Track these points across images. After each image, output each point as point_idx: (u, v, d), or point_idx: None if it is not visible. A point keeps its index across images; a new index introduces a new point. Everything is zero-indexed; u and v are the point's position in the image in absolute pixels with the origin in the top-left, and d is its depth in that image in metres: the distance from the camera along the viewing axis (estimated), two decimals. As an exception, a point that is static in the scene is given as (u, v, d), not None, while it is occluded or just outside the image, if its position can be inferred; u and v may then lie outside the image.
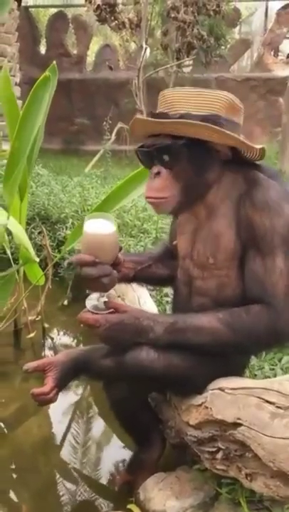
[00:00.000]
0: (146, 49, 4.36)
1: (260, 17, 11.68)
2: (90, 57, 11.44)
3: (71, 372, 1.31)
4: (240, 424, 0.89)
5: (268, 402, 0.85)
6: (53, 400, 1.28)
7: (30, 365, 1.30)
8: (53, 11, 11.63)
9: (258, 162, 1.12)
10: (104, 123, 6.29)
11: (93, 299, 1.16)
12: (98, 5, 3.91)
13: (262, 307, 1.02)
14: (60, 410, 1.87)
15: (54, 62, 2.17)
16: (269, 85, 9.80)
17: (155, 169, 1.07)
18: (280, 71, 9.70)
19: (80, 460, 1.61)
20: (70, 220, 3.03)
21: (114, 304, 1.16)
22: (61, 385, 1.30)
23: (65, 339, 2.57)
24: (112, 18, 3.99)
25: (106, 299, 1.16)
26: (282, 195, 1.03)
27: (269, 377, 1.46)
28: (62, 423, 1.80)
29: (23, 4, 9.12)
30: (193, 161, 1.05)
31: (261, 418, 0.84)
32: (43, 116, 1.95)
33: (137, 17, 4.19)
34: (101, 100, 10.15)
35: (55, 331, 2.63)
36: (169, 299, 2.18)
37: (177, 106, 1.03)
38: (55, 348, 2.41)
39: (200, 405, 1.10)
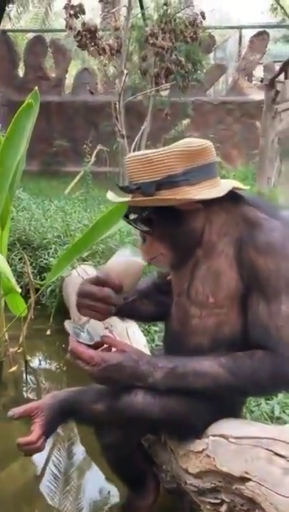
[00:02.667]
0: (127, 74, 4.39)
1: (233, 43, 12.04)
2: (68, 80, 11.52)
3: (59, 417, 1.23)
4: (248, 479, 0.83)
5: (278, 455, 0.79)
6: (40, 449, 1.19)
7: (16, 411, 1.22)
8: (31, 35, 11.71)
9: (255, 198, 1.10)
10: (85, 146, 6.27)
11: (74, 325, 1.12)
12: (79, 31, 3.94)
13: (266, 353, 0.98)
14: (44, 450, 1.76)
15: (36, 88, 2.13)
16: (244, 109, 10.02)
17: (141, 235, 1.13)
18: (255, 95, 9.95)
19: (69, 508, 1.51)
20: (53, 246, 2.95)
21: (111, 341, 1.10)
22: (48, 431, 1.22)
23: (49, 372, 2.47)
24: (93, 43, 4.02)
25: (88, 328, 1.11)
26: (286, 236, 1.00)
27: (266, 413, 1.40)
28: (47, 464, 1.69)
29: (1, 28, 9.18)
30: (167, 223, 1.06)
31: (272, 474, 0.78)
32: (25, 143, 1.90)
33: (117, 43, 4.24)
34: (80, 123, 10.18)
35: (37, 362, 2.52)
36: (157, 328, 2.12)
37: (135, 176, 1.04)
38: (38, 383, 2.31)
39: (200, 452, 1.04)
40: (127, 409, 1.09)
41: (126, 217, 1.12)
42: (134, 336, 1.81)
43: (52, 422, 1.22)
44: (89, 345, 1.08)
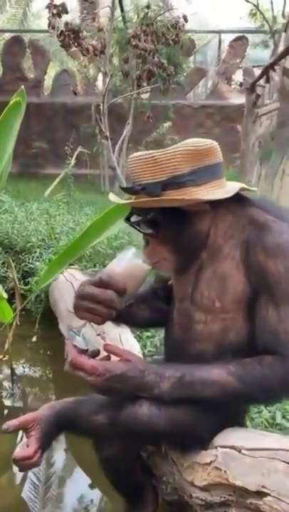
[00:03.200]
0: (111, 75, 4.35)
1: (213, 47, 12.16)
2: (47, 81, 11.40)
3: (55, 429, 1.17)
4: (265, 494, 0.79)
5: (298, 467, 0.76)
6: (37, 464, 1.13)
7: (11, 423, 1.15)
8: (9, 35, 11.55)
9: (261, 200, 1.08)
10: (66, 147, 6.19)
11: (70, 328, 1.07)
12: (62, 31, 3.88)
13: (275, 358, 0.95)
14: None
15: (22, 86, 2.07)
16: (224, 112, 10.13)
17: (144, 238, 1.08)
18: (234, 99, 10.07)
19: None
20: (38, 250, 2.87)
21: (114, 349, 1.05)
22: (45, 444, 1.16)
23: (34, 380, 2.39)
24: (76, 44, 3.96)
25: (84, 331, 1.06)
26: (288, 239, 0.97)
27: (267, 420, 1.38)
28: (37, 476, 1.63)
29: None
30: (172, 225, 1.02)
31: (293, 488, 0.74)
32: (13, 142, 1.83)
33: (101, 44, 4.19)
34: (59, 124, 10.09)
35: (24, 370, 2.44)
36: (150, 334, 2.08)
37: (140, 177, 1.00)
38: (23, 391, 2.23)
39: (208, 464, 1.00)
40: (131, 421, 1.04)
41: (127, 219, 1.08)
42: (127, 343, 1.77)
43: (48, 434, 1.16)
44: (83, 352, 1.02)
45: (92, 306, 1.00)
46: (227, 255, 1.03)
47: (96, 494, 1.51)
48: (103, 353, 1.07)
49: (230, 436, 0.99)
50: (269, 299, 0.97)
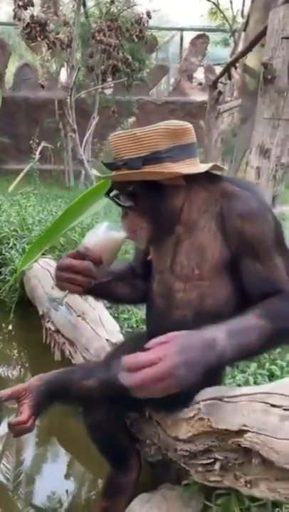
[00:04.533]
0: (79, 69, 4.37)
1: (174, 45, 12.32)
2: (7, 75, 11.18)
3: (47, 397, 1.25)
4: (246, 431, 0.90)
5: (274, 406, 0.87)
6: (30, 429, 1.21)
7: (3, 392, 1.22)
8: None
9: (230, 176, 1.18)
10: (31, 142, 6.14)
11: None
12: (28, 23, 3.86)
13: (286, 294, 1.03)
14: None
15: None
16: (187, 109, 10.31)
17: (122, 211, 1.15)
18: (196, 96, 10.27)
19: (50, 494, 1.51)
20: (11, 240, 2.89)
21: (156, 341, 0.88)
22: (38, 411, 1.23)
23: (12, 368, 2.42)
24: (42, 37, 3.96)
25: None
26: (262, 204, 1.09)
27: (240, 385, 1.50)
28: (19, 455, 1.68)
29: None
30: (151, 198, 1.10)
31: (270, 422, 0.85)
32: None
33: (68, 37, 4.21)
34: (21, 119, 9.94)
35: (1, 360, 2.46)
36: (126, 316, 2.16)
37: (121, 153, 1.07)
38: (1, 379, 2.26)
39: (192, 418, 1.10)
40: (120, 383, 1.12)
41: (107, 194, 1.16)
42: (107, 322, 1.84)
43: (40, 402, 1.23)
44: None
45: (72, 276, 1.09)
46: (203, 227, 1.13)
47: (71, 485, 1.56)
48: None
49: (210, 391, 1.09)
50: (253, 258, 1.06)
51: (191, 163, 1.10)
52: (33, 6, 3.97)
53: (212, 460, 1.06)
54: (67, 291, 1.13)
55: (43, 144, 7.66)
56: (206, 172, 1.11)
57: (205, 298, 1.16)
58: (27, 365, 2.48)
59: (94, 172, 1.19)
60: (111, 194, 1.15)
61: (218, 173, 1.16)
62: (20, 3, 3.76)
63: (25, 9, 3.87)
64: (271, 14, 3.13)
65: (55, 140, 8.22)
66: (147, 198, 1.09)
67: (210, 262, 1.11)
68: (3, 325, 2.70)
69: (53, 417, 1.75)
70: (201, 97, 9.85)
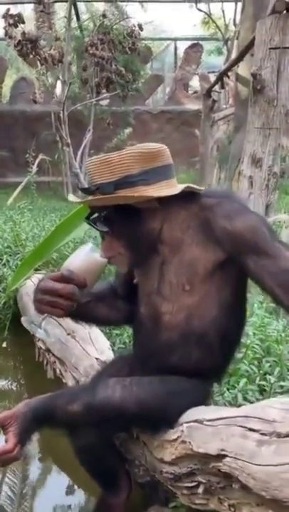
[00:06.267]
0: (70, 83, 4.41)
1: (169, 54, 12.42)
2: (4, 89, 11.29)
3: (33, 423, 1.23)
4: (224, 456, 0.89)
5: (251, 430, 0.86)
6: (17, 458, 1.19)
7: (-12, 421, 1.20)
8: None
9: (208, 190, 1.19)
10: (27, 155, 6.18)
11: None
12: (19, 40, 3.91)
13: None
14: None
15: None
16: (183, 118, 10.38)
17: (101, 235, 1.16)
18: (192, 105, 10.34)
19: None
20: (4, 257, 2.90)
21: None
22: (23, 439, 1.21)
23: (6, 385, 2.42)
24: (34, 53, 4.00)
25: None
26: (243, 204, 1.12)
27: (230, 402, 1.49)
28: (1, 486, 1.66)
29: None
30: (125, 222, 1.10)
31: (247, 447, 0.85)
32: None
33: (59, 53, 4.25)
34: (19, 132, 10.02)
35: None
36: (118, 332, 2.16)
37: (95, 177, 1.08)
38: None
39: (175, 440, 1.09)
40: (105, 406, 1.11)
41: (87, 218, 1.16)
42: (97, 340, 1.84)
43: (26, 430, 1.21)
44: None
45: (54, 300, 1.06)
46: (191, 243, 1.12)
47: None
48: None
49: (194, 413, 1.09)
50: (254, 253, 1.05)
51: (165, 186, 1.10)
52: (23, 23, 4.02)
53: (196, 483, 1.05)
54: (45, 314, 1.12)
55: (40, 156, 7.71)
56: (184, 191, 1.12)
57: (192, 319, 1.16)
58: (22, 381, 2.47)
59: (70, 198, 1.20)
60: (91, 218, 1.15)
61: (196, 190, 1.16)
62: (11, 22, 3.81)
63: (16, 27, 3.92)
64: (258, 25, 3.15)
65: (52, 152, 8.27)
66: (122, 222, 1.10)
67: (201, 274, 1.11)
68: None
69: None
70: (196, 105, 9.90)
